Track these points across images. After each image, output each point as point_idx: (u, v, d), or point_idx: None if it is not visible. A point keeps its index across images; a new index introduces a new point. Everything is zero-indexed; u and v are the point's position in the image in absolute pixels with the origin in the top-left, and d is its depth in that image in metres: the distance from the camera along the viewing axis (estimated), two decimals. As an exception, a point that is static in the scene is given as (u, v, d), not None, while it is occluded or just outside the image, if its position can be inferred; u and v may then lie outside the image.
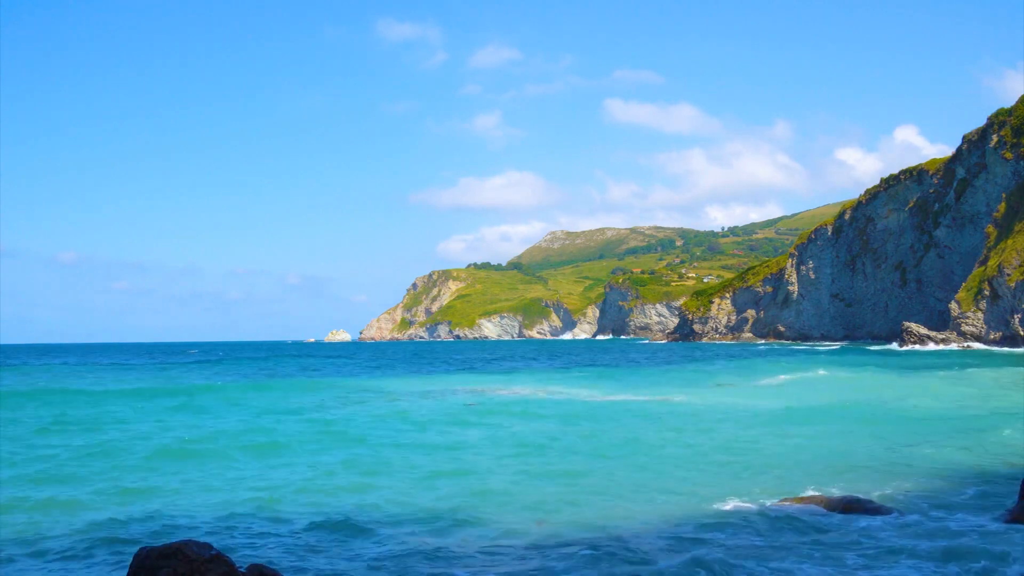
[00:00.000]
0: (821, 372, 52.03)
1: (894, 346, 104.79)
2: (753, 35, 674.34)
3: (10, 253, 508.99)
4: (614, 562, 11.24)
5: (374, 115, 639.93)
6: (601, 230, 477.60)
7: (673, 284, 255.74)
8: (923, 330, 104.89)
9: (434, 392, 42.24)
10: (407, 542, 12.68)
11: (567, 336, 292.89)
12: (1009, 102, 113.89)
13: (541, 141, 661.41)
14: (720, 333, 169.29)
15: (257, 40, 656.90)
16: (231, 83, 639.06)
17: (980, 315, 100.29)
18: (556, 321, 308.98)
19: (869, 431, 24.54)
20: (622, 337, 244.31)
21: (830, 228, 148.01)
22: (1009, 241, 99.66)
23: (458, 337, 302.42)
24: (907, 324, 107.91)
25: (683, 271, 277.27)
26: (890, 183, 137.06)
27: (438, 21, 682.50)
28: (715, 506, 14.69)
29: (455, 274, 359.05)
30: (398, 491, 16.63)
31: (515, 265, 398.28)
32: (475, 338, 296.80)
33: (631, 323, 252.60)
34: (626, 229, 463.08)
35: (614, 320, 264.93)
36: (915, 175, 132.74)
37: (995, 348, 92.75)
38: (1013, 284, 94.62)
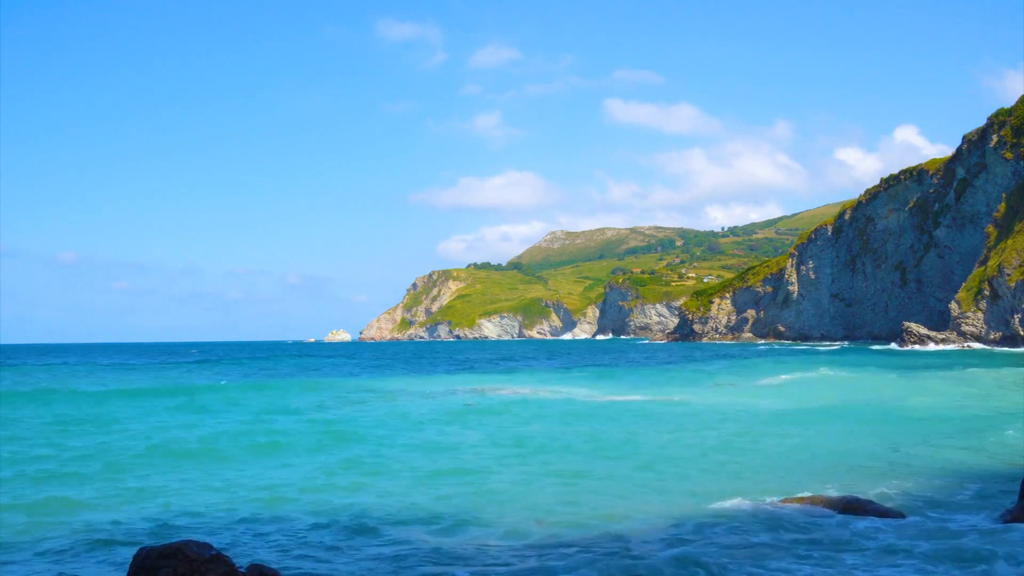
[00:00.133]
0: (821, 372, 52.00)
1: (894, 346, 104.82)
2: (753, 35, 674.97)
3: (10, 253, 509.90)
4: (614, 561, 11.24)
5: (374, 115, 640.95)
6: (601, 230, 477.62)
7: (673, 284, 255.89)
8: (923, 330, 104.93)
9: (434, 392, 42.22)
10: (407, 542, 12.68)
11: (567, 336, 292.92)
12: (1009, 102, 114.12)
13: (541, 141, 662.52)
14: (720, 333, 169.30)
15: (257, 40, 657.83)
16: (231, 83, 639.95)
17: (980, 315, 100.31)
18: (556, 321, 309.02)
19: (869, 431, 24.54)
20: (622, 337, 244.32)
21: (830, 228, 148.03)
22: (1009, 241, 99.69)
23: (458, 337, 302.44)
24: (907, 324, 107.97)
25: (683, 271, 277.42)
26: (890, 183, 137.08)
27: (438, 21, 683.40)
28: (715, 506, 14.69)
29: (455, 274, 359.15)
30: (398, 491, 16.64)
31: (515, 265, 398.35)
32: (475, 338, 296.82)
33: (631, 323, 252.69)
34: (626, 229, 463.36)
35: (614, 320, 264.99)
36: (915, 175, 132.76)
37: (995, 348, 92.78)
38: (1013, 284, 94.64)
